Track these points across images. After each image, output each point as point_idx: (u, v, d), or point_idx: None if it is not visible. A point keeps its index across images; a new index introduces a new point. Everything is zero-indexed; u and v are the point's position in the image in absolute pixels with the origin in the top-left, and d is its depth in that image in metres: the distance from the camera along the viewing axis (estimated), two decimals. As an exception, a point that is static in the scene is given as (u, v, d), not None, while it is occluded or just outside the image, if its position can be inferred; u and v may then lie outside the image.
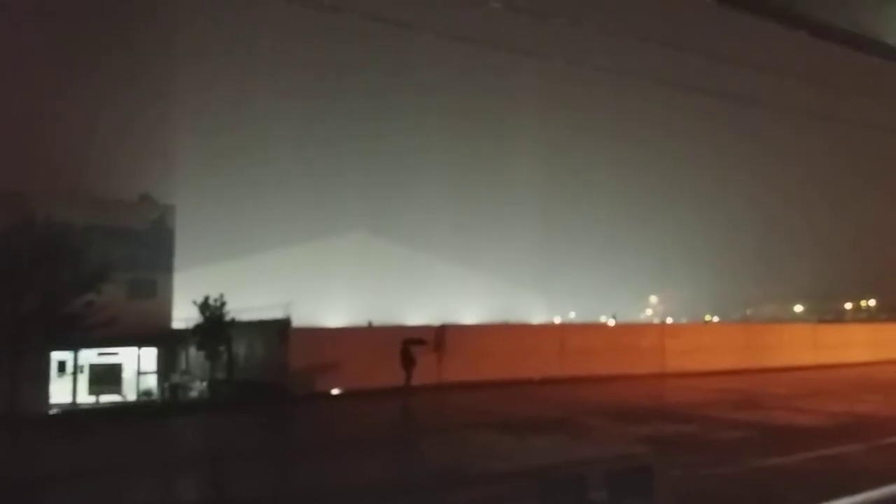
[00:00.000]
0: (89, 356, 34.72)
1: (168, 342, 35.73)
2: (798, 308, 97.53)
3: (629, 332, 32.53)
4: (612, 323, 33.93)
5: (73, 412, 29.28)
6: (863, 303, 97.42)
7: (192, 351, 30.98)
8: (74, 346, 32.37)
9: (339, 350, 23.77)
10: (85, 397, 33.67)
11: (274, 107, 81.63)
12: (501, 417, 18.33)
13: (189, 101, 71.13)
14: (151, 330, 34.96)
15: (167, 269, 38.37)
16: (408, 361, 22.87)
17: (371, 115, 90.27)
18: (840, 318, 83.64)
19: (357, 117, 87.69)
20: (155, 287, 37.72)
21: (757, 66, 16.01)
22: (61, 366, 33.73)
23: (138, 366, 36.29)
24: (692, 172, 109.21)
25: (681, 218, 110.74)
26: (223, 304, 27.50)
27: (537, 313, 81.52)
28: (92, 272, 26.36)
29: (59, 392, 32.32)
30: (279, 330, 23.82)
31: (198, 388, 30.65)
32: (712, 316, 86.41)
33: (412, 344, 23.24)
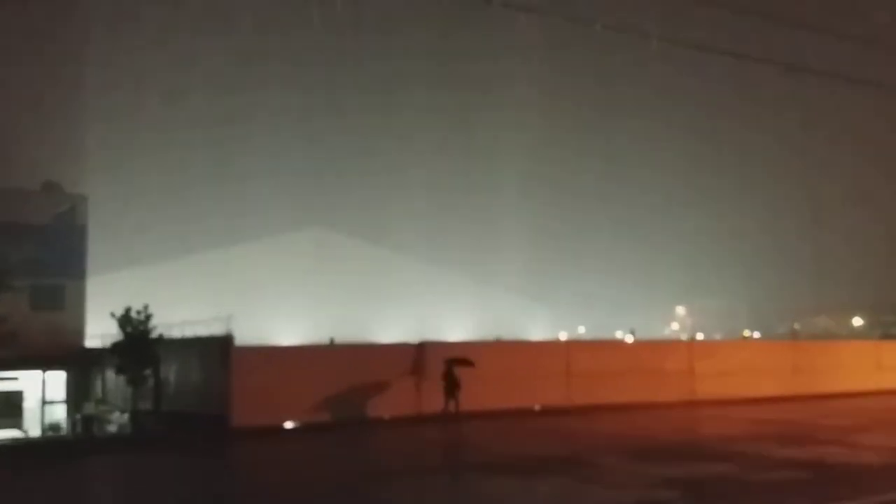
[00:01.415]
0: (-19, 382, 34.50)
1: (80, 364, 35.52)
2: (857, 321, 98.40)
3: (651, 350, 32.66)
4: (629, 339, 34.01)
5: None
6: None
7: (111, 375, 30.80)
8: (-39, 370, 32.16)
9: (293, 375, 23.66)
10: (-25, 433, 33.43)
11: (213, 86, 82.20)
12: (494, 456, 18.32)
13: (109, 83, 71.45)
14: (59, 349, 34.77)
15: (78, 273, 38.15)
16: (452, 385, 23.88)
17: (331, 93, 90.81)
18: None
19: (313, 97, 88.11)
20: (63, 295, 37.47)
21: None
22: (-55, 394, 33.51)
23: (43, 393, 36.03)
24: (727, 165, 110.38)
25: (714, 216, 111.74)
26: (148, 316, 27.40)
27: (538, 328, 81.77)
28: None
29: (-57, 427, 32.08)
30: (219, 349, 23.72)
31: (117, 422, 30.50)
32: (752, 331, 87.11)
33: (456, 364, 24.09)
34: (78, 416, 33.55)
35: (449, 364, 24.19)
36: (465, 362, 24.29)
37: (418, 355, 25.65)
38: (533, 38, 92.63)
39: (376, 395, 24.41)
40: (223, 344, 23.61)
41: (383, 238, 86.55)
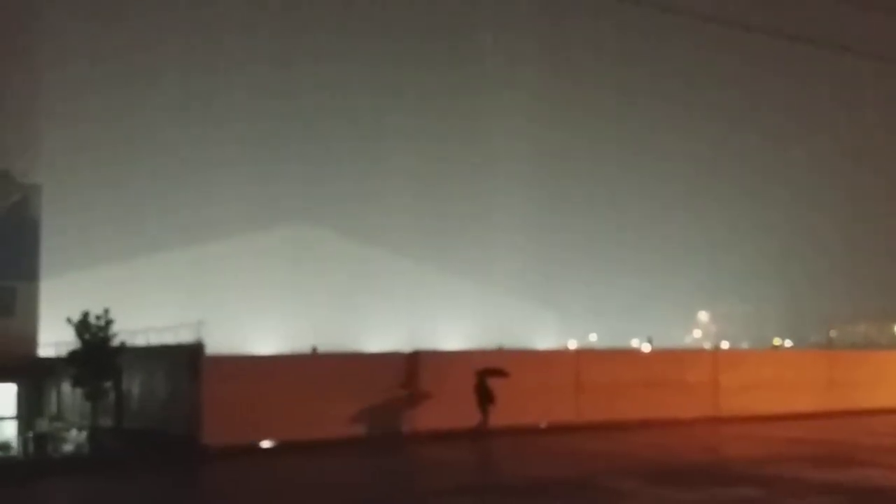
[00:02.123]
0: (-79, 396, 34.45)
1: (33, 376, 35.43)
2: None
3: (670, 361, 32.63)
4: (646, 349, 33.97)
5: None
6: None
7: (67, 388, 30.71)
8: None
9: (271, 388, 23.60)
10: (-86, 453, 33.39)
11: (180, 67, 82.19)
12: (498, 479, 18.30)
13: (65, 63, 71.41)
14: (9, 359, 34.68)
15: (30, 273, 38.07)
16: (485, 397, 24.43)
17: (312, 80, 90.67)
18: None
19: (292, 84, 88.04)
20: (13, 299, 37.39)
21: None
22: None
23: (-10, 409, 35.95)
24: (755, 155, 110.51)
25: (739, 214, 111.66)
26: (109, 322, 27.28)
27: (545, 336, 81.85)
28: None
29: None
30: (187, 359, 23.65)
31: (74, 440, 30.43)
32: (783, 340, 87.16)
33: (489, 375, 24.66)
34: (30, 434, 33.49)
35: (481, 375, 24.71)
36: (499, 372, 24.76)
37: (411, 365, 25.59)
38: (547, 33, 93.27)
39: (364, 411, 24.38)
40: (192, 353, 23.52)
41: (371, 235, 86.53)
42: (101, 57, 77.55)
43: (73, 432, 30.80)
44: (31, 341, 36.82)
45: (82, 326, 27.26)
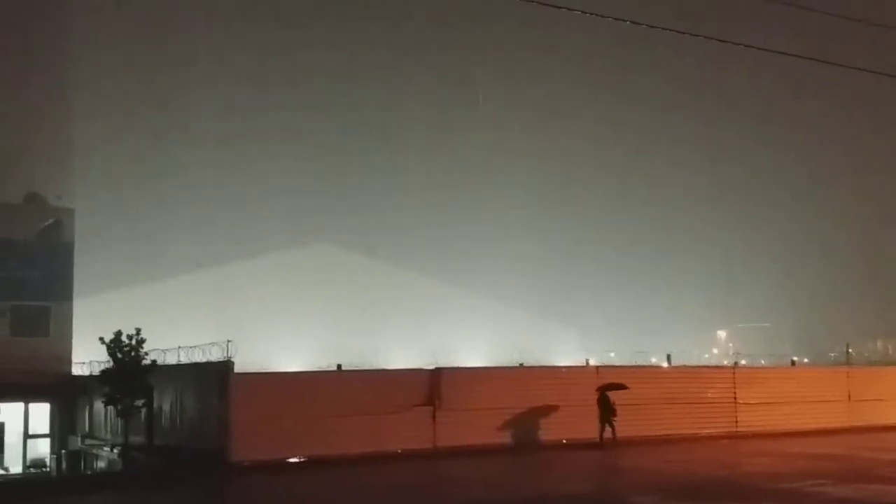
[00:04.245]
0: (-43, 414, 34.73)
1: (66, 395, 35.63)
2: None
3: (690, 378, 32.44)
4: (664, 366, 33.80)
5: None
6: None
7: (99, 406, 30.88)
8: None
9: (298, 404, 23.70)
10: (-49, 470, 33.66)
11: (210, 90, 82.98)
12: (516, 495, 18.25)
13: (98, 88, 72.25)
14: (43, 378, 34.85)
15: (64, 294, 38.29)
16: (608, 411, 26.26)
17: (341, 99, 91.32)
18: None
19: (322, 102, 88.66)
20: (47, 319, 37.64)
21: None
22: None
23: (25, 427, 36.15)
24: (773, 170, 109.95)
25: (756, 231, 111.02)
26: (141, 341, 27.45)
27: (564, 353, 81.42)
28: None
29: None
30: (217, 377, 23.77)
31: (106, 457, 30.55)
32: (801, 356, 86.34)
33: (610, 389, 26.38)
34: (63, 452, 33.68)
35: (602, 390, 26.43)
36: (618, 386, 26.43)
37: (433, 382, 25.63)
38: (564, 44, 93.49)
39: (387, 428, 24.42)
40: (221, 371, 23.64)
41: (394, 256, 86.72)
42: (131, 81, 78.35)
43: (106, 449, 30.93)
44: (65, 360, 36.97)
45: (115, 345, 27.43)
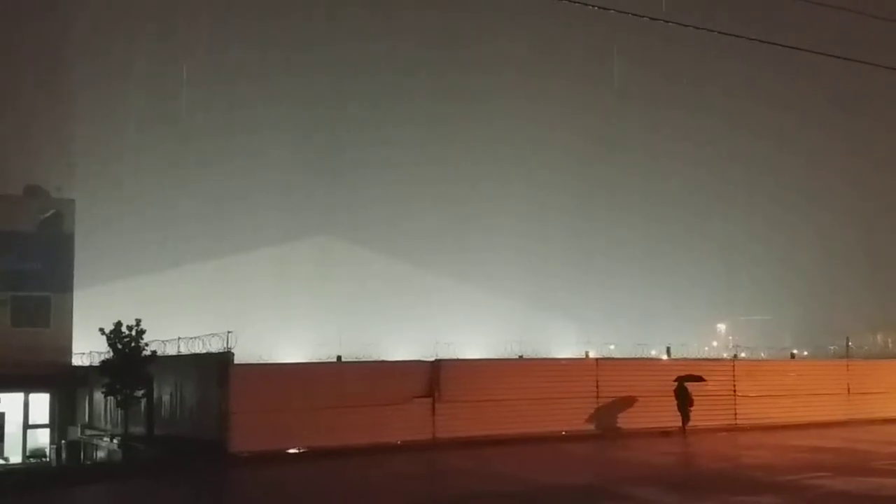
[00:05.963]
0: (-42, 404, 34.72)
1: (66, 385, 35.64)
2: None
3: (689, 370, 32.47)
4: (664, 358, 33.79)
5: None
6: None
7: (99, 397, 30.90)
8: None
9: (298, 395, 23.71)
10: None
11: (210, 82, 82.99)
12: (517, 486, 18.26)
13: (97, 79, 72.19)
14: (43, 368, 34.86)
15: (64, 285, 38.28)
16: (685, 400, 27.60)
17: (338, 91, 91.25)
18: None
19: (319, 95, 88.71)
20: (48, 310, 37.63)
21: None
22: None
23: (25, 417, 36.17)
24: (772, 163, 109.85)
25: (755, 223, 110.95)
26: (141, 332, 27.42)
27: (564, 345, 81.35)
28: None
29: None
30: (216, 367, 23.77)
31: (106, 447, 30.56)
32: (801, 349, 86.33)
33: (687, 380, 27.76)
34: (63, 442, 33.68)
35: (680, 381, 27.74)
36: (696, 378, 27.79)
37: (433, 374, 25.64)
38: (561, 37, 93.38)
39: (387, 419, 24.43)
40: (221, 362, 23.64)
41: (392, 248, 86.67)
42: (131, 72, 78.23)
43: (105, 440, 30.95)
44: (65, 351, 36.97)
45: (115, 336, 27.41)
